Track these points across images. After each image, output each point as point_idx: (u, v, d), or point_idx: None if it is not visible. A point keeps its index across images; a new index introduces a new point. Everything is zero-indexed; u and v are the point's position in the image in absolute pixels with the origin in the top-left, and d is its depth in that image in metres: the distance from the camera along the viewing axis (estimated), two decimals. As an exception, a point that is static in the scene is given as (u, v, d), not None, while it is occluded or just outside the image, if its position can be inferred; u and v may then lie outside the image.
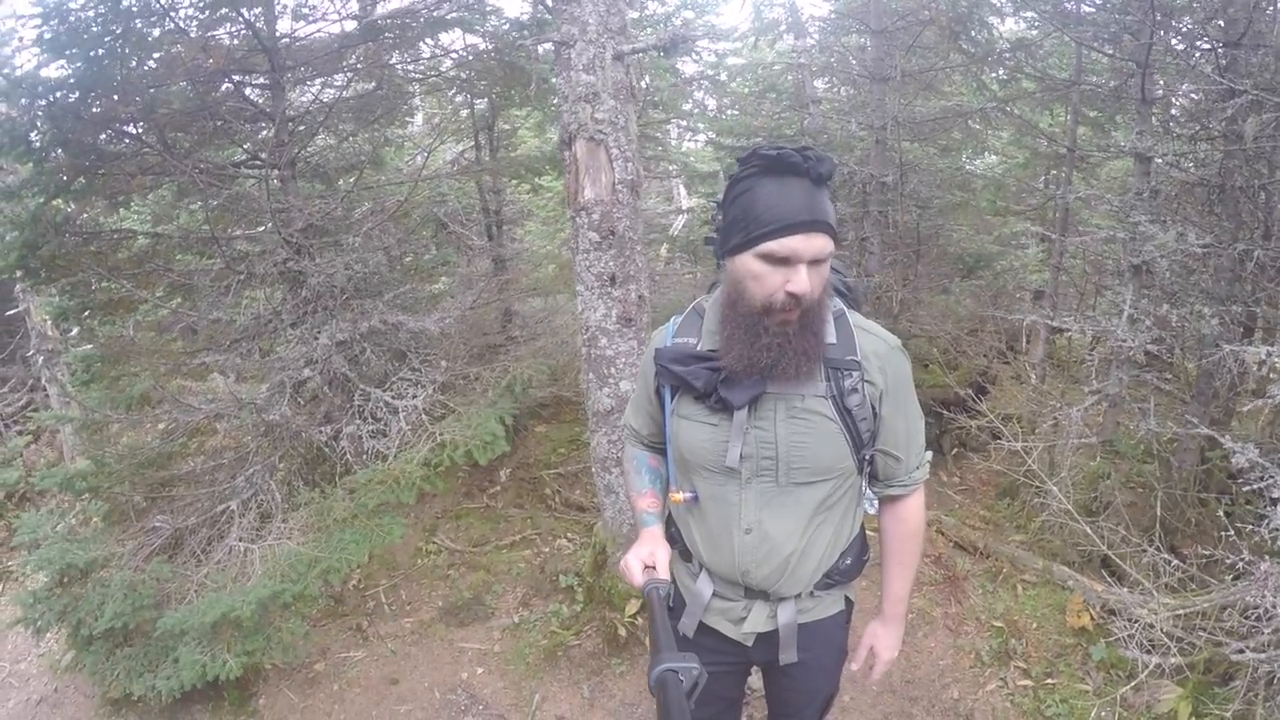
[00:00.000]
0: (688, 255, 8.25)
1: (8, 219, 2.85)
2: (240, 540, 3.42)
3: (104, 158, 2.99)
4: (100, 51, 2.54)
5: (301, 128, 3.96)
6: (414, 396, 3.98)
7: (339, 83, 4.31)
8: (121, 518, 3.65)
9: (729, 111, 7.51)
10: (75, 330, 3.49)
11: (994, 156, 7.87)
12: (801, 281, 1.22)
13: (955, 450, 5.64)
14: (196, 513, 3.64)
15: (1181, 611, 2.62)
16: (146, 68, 2.81)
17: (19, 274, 3.06)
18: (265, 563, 3.09)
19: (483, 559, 4.44)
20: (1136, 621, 2.71)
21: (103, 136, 2.95)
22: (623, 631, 3.37)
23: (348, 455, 3.80)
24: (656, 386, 1.53)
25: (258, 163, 3.92)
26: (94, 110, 2.66)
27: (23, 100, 2.60)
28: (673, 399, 1.47)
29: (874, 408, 1.40)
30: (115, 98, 2.65)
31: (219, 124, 3.48)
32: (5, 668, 3.93)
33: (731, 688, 1.73)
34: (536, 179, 5.82)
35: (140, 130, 2.96)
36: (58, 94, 2.56)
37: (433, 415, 3.93)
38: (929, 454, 1.56)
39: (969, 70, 4.99)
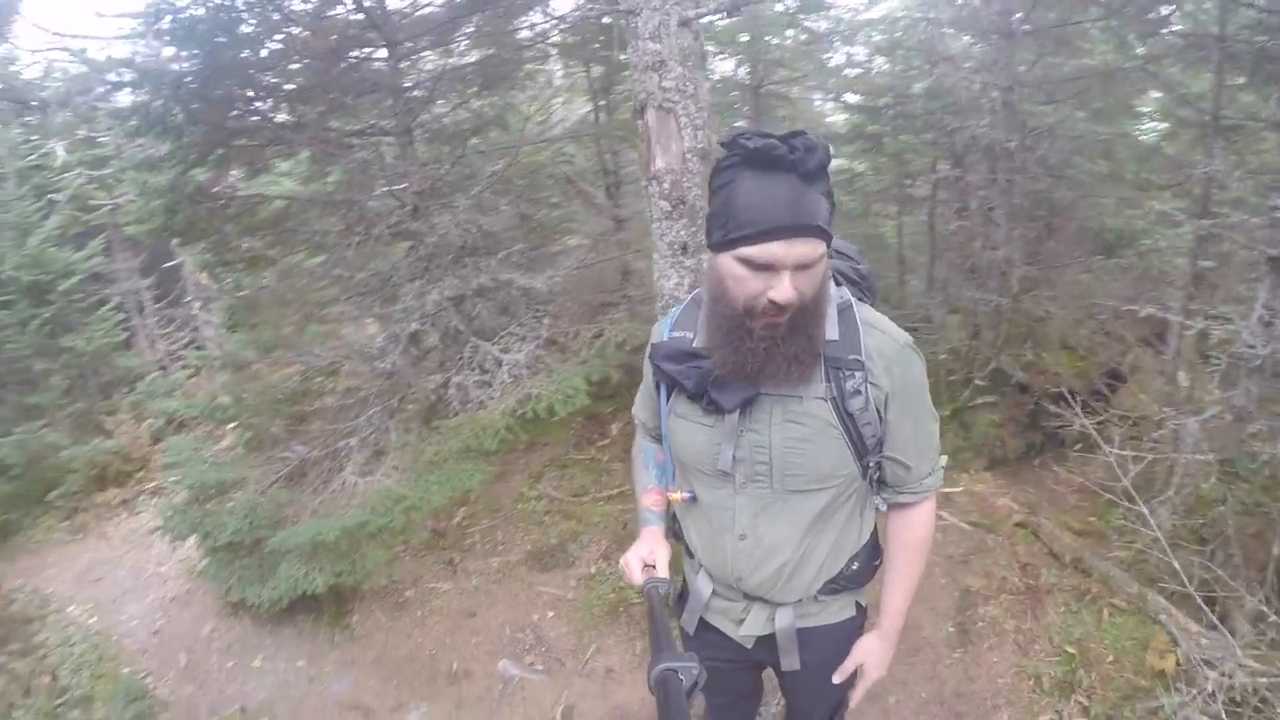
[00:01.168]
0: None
1: (151, 189, 3.32)
2: (353, 474, 3.83)
3: (235, 133, 3.39)
4: (217, 42, 2.87)
5: (419, 94, 4.21)
6: (518, 350, 4.23)
7: (455, 51, 4.52)
8: (260, 446, 4.19)
9: (850, 71, 7.09)
10: (224, 281, 4.03)
11: (1143, 123, 6.91)
12: (784, 290, 1.12)
13: (1079, 445, 5.14)
14: (321, 446, 4.10)
15: (1264, 680, 2.25)
16: (264, 53, 3.13)
17: (165, 234, 3.56)
18: (363, 496, 3.45)
19: (578, 509, 4.64)
20: (1212, 677, 2.36)
21: (232, 114, 3.33)
22: (684, 596, 3.45)
23: (454, 403, 4.13)
24: (656, 382, 1.46)
25: (378, 130, 4.23)
26: (217, 93, 3.01)
27: (152, 87, 2.97)
28: (669, 397, 1.40)
29: (879, 411, 1.28)
30: (231, 81, 2.98)
31: (340, 97, 3.80)
32: (150, 569, 4.68)
33: (742, 682, 1.69)
34: (644, 142, 5.80)
35: (267, 107, 3.32)
36: (185, 80, 2.91)
37: (533, 369, 4.15)
38: (943, 459, 1.43)
39: (1108, 25, 4.38)
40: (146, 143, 3.83)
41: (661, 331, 1.45)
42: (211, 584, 3.64)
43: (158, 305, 8.07)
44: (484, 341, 4.24)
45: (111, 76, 4.93)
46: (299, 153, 4.25)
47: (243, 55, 3.10)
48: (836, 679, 1.49)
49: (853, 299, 1.33)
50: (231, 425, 3.99)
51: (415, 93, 4.13)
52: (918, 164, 6.51)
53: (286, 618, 3.57)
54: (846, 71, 7.18)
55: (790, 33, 6.51)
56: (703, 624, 1.54)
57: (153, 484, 5.93)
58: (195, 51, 2.88)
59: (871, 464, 1.34)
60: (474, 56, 4.64)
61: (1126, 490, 2.90)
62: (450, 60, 4.43)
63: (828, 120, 7.86)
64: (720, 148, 1.18)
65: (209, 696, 3.47)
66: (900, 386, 1.28)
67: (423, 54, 4.33)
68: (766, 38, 6.16)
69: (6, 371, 5.98)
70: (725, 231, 1.15)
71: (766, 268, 1.13)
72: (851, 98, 6.59)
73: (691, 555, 1.54)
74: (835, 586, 1.43)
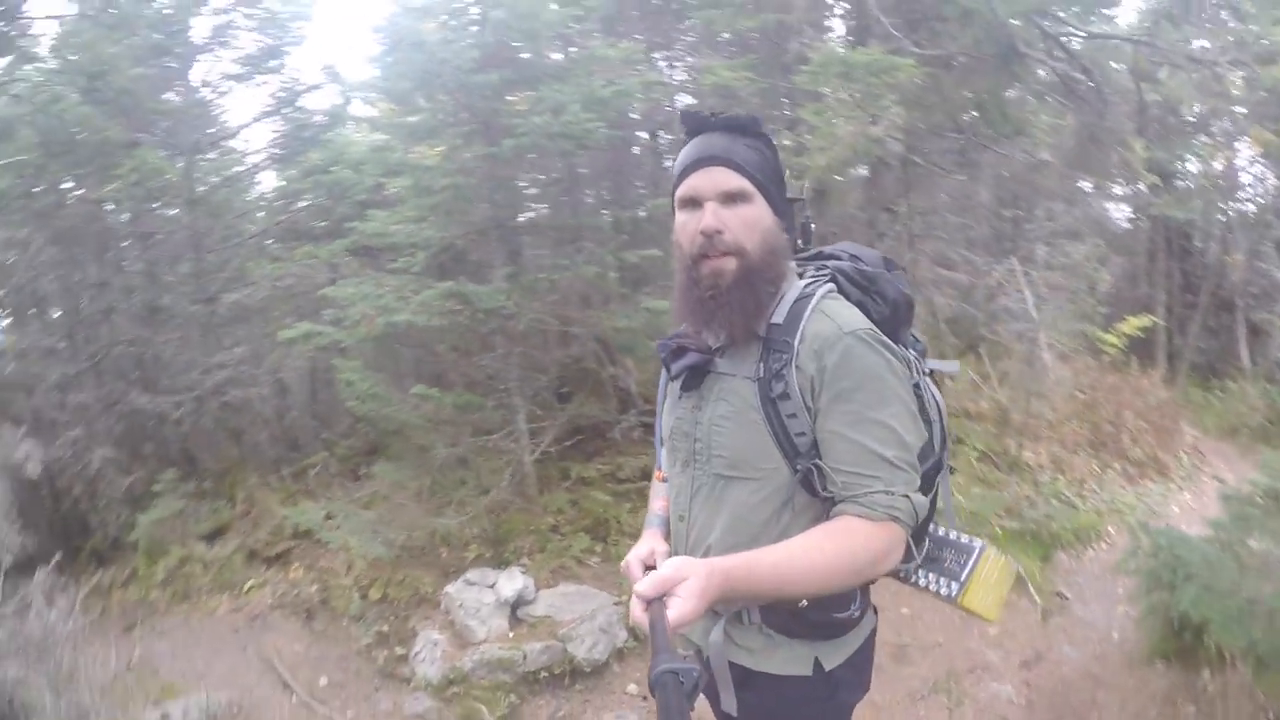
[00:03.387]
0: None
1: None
2: None
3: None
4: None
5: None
6: None
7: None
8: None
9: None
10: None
11: None
12: (707, 217, 1.21)
13: None
14: None
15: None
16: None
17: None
18: None
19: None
20: None
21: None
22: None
23: None
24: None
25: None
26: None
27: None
28: (666, 381, 1.46)
29: (806, 401, 1.19)
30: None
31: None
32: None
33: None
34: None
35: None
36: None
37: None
38: (908, 478, 1.18)
39: None
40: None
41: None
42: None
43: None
44: None
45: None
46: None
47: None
48: (642, 587, 1.01)
49: (823, 293, 1.26)
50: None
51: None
52: None
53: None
54: None
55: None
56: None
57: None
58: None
59: (803, 468, 1.20)
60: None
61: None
62: None
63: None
64: None
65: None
66: (832, 376, 1.17)
67: None
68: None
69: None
70: (671, 191, 1.29)
71: (692, 202, 1.24)
72: None
73: None
74: (780, 622, 1.27)
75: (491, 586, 4.10)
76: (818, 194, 5.18)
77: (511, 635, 3.90)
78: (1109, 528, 5.04)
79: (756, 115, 1.25)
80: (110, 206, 5.42)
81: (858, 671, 1.38)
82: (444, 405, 4.21)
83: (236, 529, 4.91)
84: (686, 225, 1.25)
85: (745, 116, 1.24)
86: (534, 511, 4.39)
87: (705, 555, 1.25)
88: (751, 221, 1.23)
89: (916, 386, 1.28)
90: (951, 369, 1.46)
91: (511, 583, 4.07)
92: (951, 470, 1.42)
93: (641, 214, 4.70)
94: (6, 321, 6.10)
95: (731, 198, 1.22)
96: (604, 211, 5.19)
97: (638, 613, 0.97)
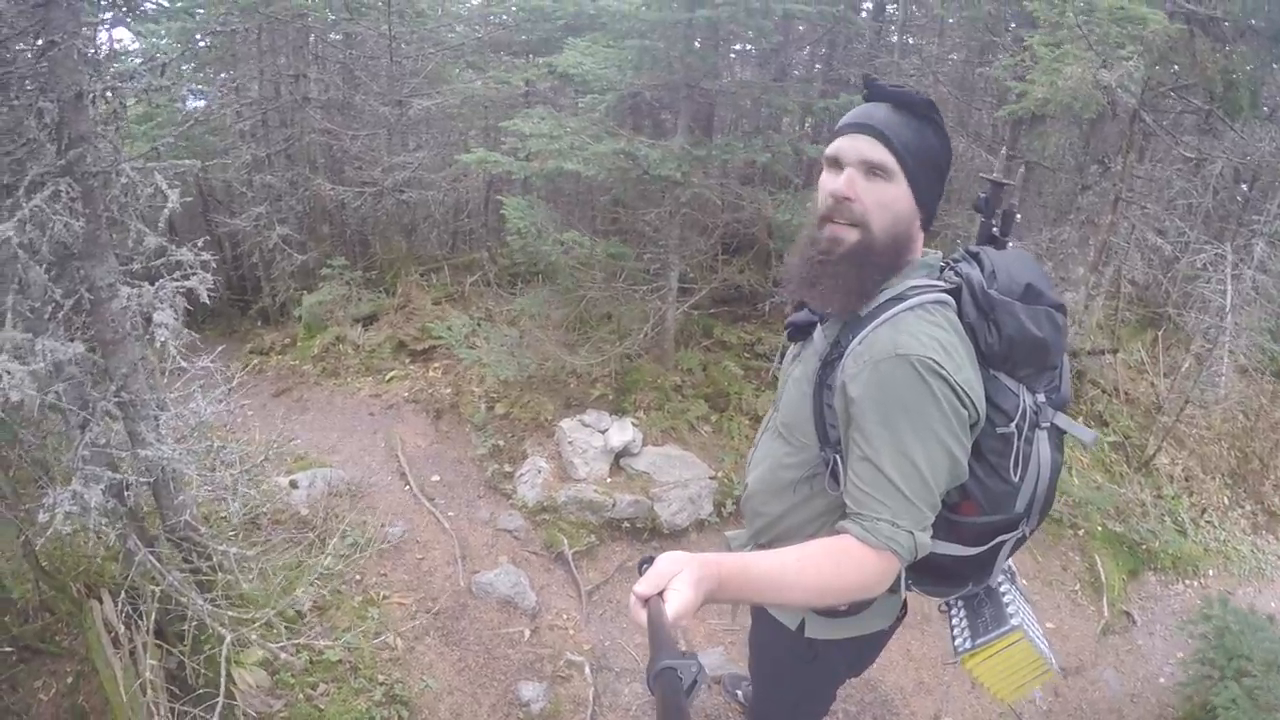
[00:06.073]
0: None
1: None
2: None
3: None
4: None
5: None
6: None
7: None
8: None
9: None
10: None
11: None
12: (840, 181, 1.19)
13: None
14: None
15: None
16: None
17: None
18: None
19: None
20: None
21: None
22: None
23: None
24: None
25: None
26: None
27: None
28: None
29: (841, 403, 1.20)
30: None
31: None
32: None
33: None
34: None
35: None
36: None
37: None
38: (917, 515, 1.12)
39: None
40: None
41: None
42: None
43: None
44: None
45: None
46: None
47: None
48: (639, 586, 1.01)
49: (918, 302, 1.19)
50: None
51: None
52: None
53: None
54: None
55: None
56: None
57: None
58: None
59: (829, 456, 1.24)
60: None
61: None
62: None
63: None
64: None
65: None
66: (869, 393, 1.14)
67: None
68: None
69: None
70: None
71: (836, 163, 1.22)
72: None
73: None
74: None
75: (603, 432, 4.30)
76: (1033, 120, 4.71)
77: (609, 481, 4.13)
78: (1210, 569, 4.70)
79: (932, 100, 1.20)
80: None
81: (848, 656, 1.50)
82: (595, 252, 4.32)
83: (390, 320, 5.28)
84: (825, 183, 1.23)
85: (920, 97, 1.19)
86: (663, 368, 4.52)
87: (749, 492, 1.44)
88: (886, 201, 1.19)
89: (1011, 435, 1.19)
90: (1085, 437, 1.28)
91: (622, 433, 4.26)
92: (1024, 537, 1.30)
93: (834, 104, 4.44)
94: (201, 103, 6.62)
95: (873, 170, 1.18)
96: (793, 98, 4.94)
97: (637, 611, 0.97)
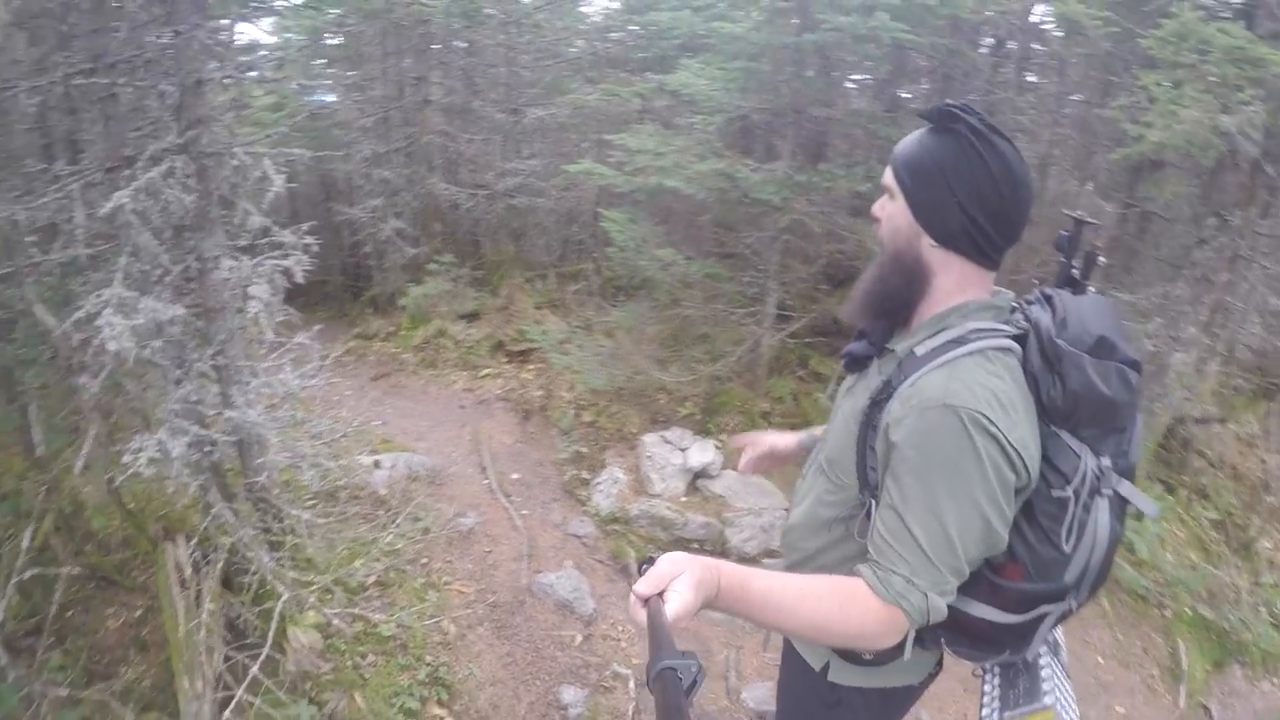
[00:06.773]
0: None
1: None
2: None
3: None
4: None
5: None
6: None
7: None
8: None
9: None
10: None
11: None
12: (876, 207, 1.25)
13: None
14: None
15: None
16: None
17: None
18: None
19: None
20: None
21: None
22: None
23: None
24: None
25: None
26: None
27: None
28: None
29: (885, 449, 1.12)
30: None
31: None
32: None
33: None
34: None
35: None
36: None
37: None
38: (937, 578, 1.06)
39: None
40: None
41: None
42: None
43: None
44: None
45: None
46: None
47: None
48: (639, 586, 1.00)
49: (977, 348, 1.11)
50: None
51: None
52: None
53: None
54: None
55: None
56: None
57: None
58: None
59: (866, 500, 1.18)
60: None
61: None
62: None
63: None
64: None
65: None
66: (905, 439, 1.08)
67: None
68: None
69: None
70: None
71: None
72: None
73: None
74: None
75: (684, 450, 4.37)
76: (1151, 166, 4.50)
77: (683, 500, 4.17)
78: (1303, 671, 4.36)
79: (951, 106, 1.12)
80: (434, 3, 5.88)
81: (873, 707, 1.40)
82: (690, 271, 4.41)
83: (491, 319, 5.53)
84: None
85: (933, 108, 1.15)
86: (753, 394, 4.56)
87: (789, 527, 1.41)
88: (887, 219, 1.23)
89: (1068, 500, 1.09)
90: (1148, 509, 1.18)
91: (703, 454, 4.32)
92: (1070, 610, 1.19)
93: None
94: (332, 97, 7.05)
95: (885, 191, 1.22)
96: (905, 130, 4.91)
97: (637, 611, 0.96)
